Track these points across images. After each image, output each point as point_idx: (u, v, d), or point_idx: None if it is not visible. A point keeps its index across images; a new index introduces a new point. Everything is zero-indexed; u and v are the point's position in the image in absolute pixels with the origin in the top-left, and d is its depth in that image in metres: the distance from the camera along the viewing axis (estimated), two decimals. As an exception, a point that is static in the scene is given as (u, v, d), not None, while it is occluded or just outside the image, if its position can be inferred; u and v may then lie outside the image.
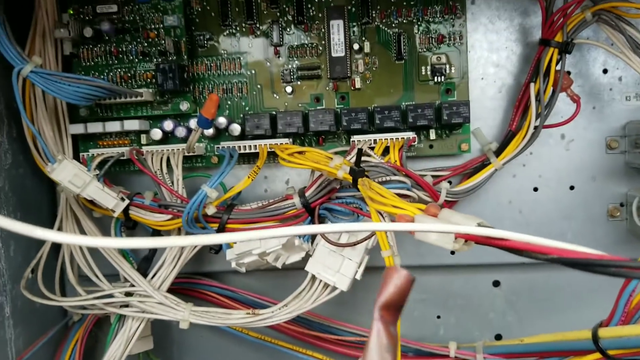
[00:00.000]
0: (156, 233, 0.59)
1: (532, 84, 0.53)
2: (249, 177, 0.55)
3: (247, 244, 0.55)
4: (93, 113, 0.59)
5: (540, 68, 0.53)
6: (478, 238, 0.32)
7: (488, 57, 0.59)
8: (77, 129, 0.59)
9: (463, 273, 0.62)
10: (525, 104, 0.55)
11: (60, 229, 0.60)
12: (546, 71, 0.53)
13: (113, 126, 0.58)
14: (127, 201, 0.56)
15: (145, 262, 0.59)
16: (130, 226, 0.58)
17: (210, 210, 0.54)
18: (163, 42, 0.57)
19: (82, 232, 0.60)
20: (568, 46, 0.51)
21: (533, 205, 0.59)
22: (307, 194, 0.54)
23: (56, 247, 0.62)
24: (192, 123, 0.59)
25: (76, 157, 0.60)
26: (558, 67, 0.53)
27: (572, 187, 0.59)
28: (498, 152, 0.56)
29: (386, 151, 0.55)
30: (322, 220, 0.55)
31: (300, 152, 0.53)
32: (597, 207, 0.59)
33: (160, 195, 0.56)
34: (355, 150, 0.54)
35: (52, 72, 0.51)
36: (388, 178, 0.52)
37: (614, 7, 0.51)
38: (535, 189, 0.60)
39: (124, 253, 0.59)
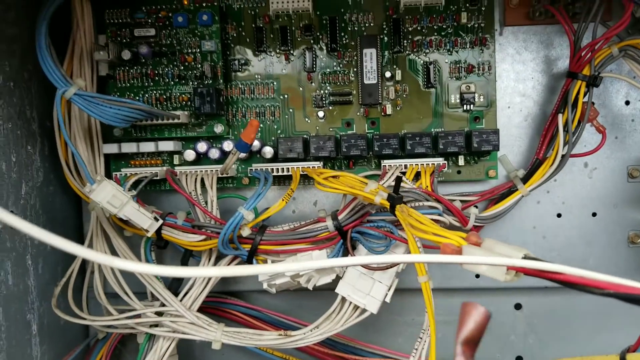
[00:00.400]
0: (188, 253, 0.59)
1: (560, 115, 0.55)
2: (283, 200, 0.56)
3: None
4: (127, 133, 0.60)
5: (568, 99, 0.54)
6: (532, 271, 0.33)
7: (515, 86, 0.60)
8: (111, 148, 0.60)
9: (486, 296, 0.63)
10: (552, 133, 0.57)
11: (90, 246, 0.61)
12: (574, 103, 0.55)
13: (147, 147, 0.59)
14: (160, 221, 0.56)
15: (176, 281, 0.60)
16: (161, 245, 0.59)
17: (245, 232, 0.54)
18: (199, 66, 0.59)
19: (112, 250, 0.61)
20: (596, 80, 0.53)
21: (556, 230, 0.61)
22: (340, 217, 0.55)
23: (83, 264, 0.63)
24: (226, 145, 0.60)
25: (108, 176, 0.61)
26: (585, 99, 0.55)
27: (594, 214, 0.61)
28: (525, 179, 0.57)
29: (417, 176, 0.57)
30: (353, 244, 0.56)
31: (334, 177, 0.54)
32: (618, 234, 0.60)
33: (194, 216, 0.57)
34: (389, 175, 0.56)
35: (94, 95, 0.52)
36: (420, 203, 0.53)
37: (641, 44, 0.53)
38: (559, 215, 0.61)
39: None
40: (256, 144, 0.59)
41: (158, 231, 0.57)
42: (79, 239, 0.67)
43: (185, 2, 0.58)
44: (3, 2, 0.54)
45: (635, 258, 0.60)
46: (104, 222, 0.60)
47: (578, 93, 0.54)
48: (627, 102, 0.60)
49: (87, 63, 0.58)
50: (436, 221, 0.54)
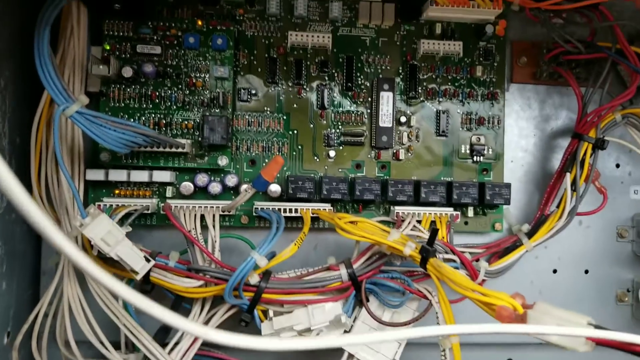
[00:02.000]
0: (179, 299, 0.53)
1: (568, 174, 0.56)
2: (295, 245, 0.51)
3: (288, 319, 0.51)
4: (115, 159, 0.53)
5: (576, 159, 0.56)
6: (618, 344, 0.32)
7: (518, 141, 0.62)
8: (96, 175, 0.52)
9: (479, 350, 0.62)
10: (556, 190, 0.58)
11: (59, 287, 0.52)
12: (581, 163, 0.56)
13: (140, 176, 0.53)
14: (152, 262, 0.50)
15: (163, 332, 0.52)
16: (147, 290, 0.52)
17: (254, 279, 0.49)
18: (207, 92, 0.54)
19: (86, 292, 0.52)
20: (604, 143, 0.56)
21: (552, 286, 0.62)
22: (355, 266, 0.52)
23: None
24: (230, 179, 0.55)
25: (84, 205, 0.53)
26: (590, 160, 0.57)
27: (586, 271, 0.62)
28: (529, 234, 0.58)
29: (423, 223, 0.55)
30: (367, 295, 0.53)
31: (352, 222, 0.51)
32: (607, 291, 0.63)
33: (192, 258, 0.51)
34: (406, 224, 0.54)
35: (97, 114, 0.45)
36: (440, 256, 0.52)
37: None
38: (555, 271, 0.62)
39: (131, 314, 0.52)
40: (260, 180, 0.55)
41: (146, 273, 0.50)
42: (35, 275, 0.57)
43: (200, 23, 0.53)
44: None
45: (622, 315, 0.62)
46: (79, 259, 0.52)
47: (585, 154, 0.56)
48: (618, 165, 0.63)
49: (78, 76, 0.51)
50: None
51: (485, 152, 0.59)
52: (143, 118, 0.53)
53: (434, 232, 0.47)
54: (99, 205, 0.52)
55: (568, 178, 0.56)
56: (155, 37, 0.53)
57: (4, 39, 0.49)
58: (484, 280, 0.58)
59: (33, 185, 0.52)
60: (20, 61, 0.52)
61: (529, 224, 0.59)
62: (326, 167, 0.58)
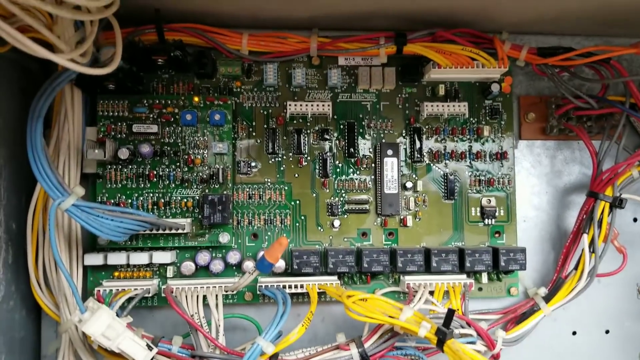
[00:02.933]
0: (183, 386, 0.50)
1: (585, 235, 0.54)
2: (303, 326, 0.49)
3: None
4: (112, 240, 0.52)
5: (594, 219, 0.54)
6: None
7: (530, 200, 0.59)
8: (95, 259, 0.51)
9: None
10: (573, 251, 0.56)
11: (58, 378, 0.50)
12: (599, 222, 0.54)
13: (139, 258, 0.51)
14: (155, 349, 0.47)
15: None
16: (151, 377, 0.50)
17: (261, 364, 0.47)
18: (206, 168, 0.52)
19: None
20: (622, 202, 0.53)
21: (572, 349, 0.59)
22: (366, 345, 0.49)
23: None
24: (231, 257, 0.53)
25: (84, 290, 0.52)
26: (608, 219, 0.54)
27: (607, 331, 0.60)
28: (547, 298, 0.55)
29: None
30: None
31: (362, 299, 0.49)
32: (629, 351, 0.60)
33: (195, 343, 0.49)
34: (418, 297, 0.52)
35: (93, 205, 0.44)
36: (457, 331, 0.49)
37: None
38: (574, 333, 0.60)
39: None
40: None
41: (149, 360, 0.48)
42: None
43: (196, 99, 0.52)
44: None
45: (648, 378, 0.59)
46: (79, 347, 0.50)
47: (602, 213, 0.54)
48: (635, 219, 0.61)
49: (74, 160, 0.50)
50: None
51: (497, 213, 0.57)
52: (141, 198, 0.52)
53: (450, 313, 0.44)
54: (99, 290, 0.50)
55: (585, 239, 0.54)
56: (151, 116, 0.52)
57: (-3, 126, 0.48)
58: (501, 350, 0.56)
59: (30, 271, 0.51)
60: (14, 146, 0.51)
61: (546, 287, 0.56)
62: (331, 237, 0.56)
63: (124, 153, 0.50)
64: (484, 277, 0.56)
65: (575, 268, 0.55)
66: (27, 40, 0.35)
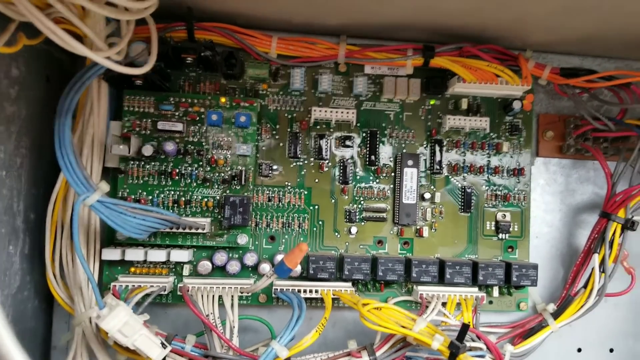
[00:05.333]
0: (195, 384, 0.51)
1: (596, 255, 0.55)
2: (316, 331, 0.50)
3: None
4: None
5: (605, 240, 0.55)
6: None
7: (543, 217, 0.60)
8: (112, 254, 0.51)
9: None
10: (584, 270, 0.57)
11: (70, 370, 0.50)
12: (610, 243, 0.55)
13: (157, 255, 0.51)
14: (169, 347, 0.48)
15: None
16: (163, 374, 0.50)
17: (274, 368, 0.48)
18: (228, 168, 0.52)
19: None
20: (634, 225, 0.54)
21: (576, 366, 0.60)
22: (378, 354, 0.50)
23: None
24: (248, 258, 0.53)
25: (98, 283, 0.52)
26: (619, 240, 0.55)
27: (611, 350, 0.61)
28: (555, 315, 0.56)
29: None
30: (389, 382, 0.51)
31: (376, 308, 0.49)
32: (632, 371, 0.61)
33: (209, 343, 0.49)
34: (431, 308, 0.52)
35: (117, 202, 0.44)
36: (468, 344, 0.50)
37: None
38: (579, 350, 0.60)
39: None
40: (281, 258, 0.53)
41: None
42: (46, 354, 0.55)
43: (223, 100, 0.52)
44: (9, 76, 0.45)
45: (649, 397, 0.60)
46: (92, 341, 0.50)
47: (614, 234, 0.55)
48: (644, 241, 0.62)
49: (97, 154, 0.50)
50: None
51: (511, 228, 0.57)
52: (162, 195, 0.52)
53: (464, 327, 0.45)
54: (114, 285, 0.50)
55: (596, 258, 0.55)
56: (177, 114, 0.52)
57: (21, 118, 0.48)
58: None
59: (47, 263, 0.50)
60: (35, 136, 0.51)
61: (555, 304, 0.57)
62: (347, 243, 0.56)
63: (148, 150, 0.50)
64: (495, 291, 0.57)
65: (585, 286, 0.56)
66: (65, 35, 0.35)
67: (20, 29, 0.40)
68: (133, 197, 0.51)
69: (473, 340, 0.51)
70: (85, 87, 0.45)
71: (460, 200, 0.57)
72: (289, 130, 0.55)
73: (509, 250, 0.58)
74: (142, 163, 0.52)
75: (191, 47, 0.50)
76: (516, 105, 0.56)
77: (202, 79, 0.54)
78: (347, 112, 0.54)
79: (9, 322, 0.47)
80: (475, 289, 0.55)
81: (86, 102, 0.50)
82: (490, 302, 0.57)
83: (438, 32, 0.53)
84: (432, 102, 0.57)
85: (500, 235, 0.57)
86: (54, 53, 0.52)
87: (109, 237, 0.52)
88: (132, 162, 0.51)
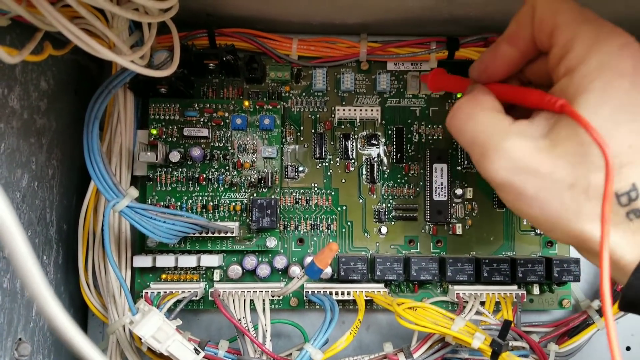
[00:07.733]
0: (228, 391, 0.50)
1: None
2: (350, 334, 0.48)
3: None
4: (162, 244, 0.52)
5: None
6: None
7: (582, 209, 0.58)
8: (144, 262, 0.51)
9: None
10: (629, 263, 0.54)
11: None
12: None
13: (188, 261, 0.51)
14: (202, 353, 0.47)
15: None
16: (197, 381, 0.49)
17: (309, 372, 0.46)
18: (255, 172, 0.52)
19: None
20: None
21: (627, 365, 0.57)
22: (415, 355, 0.48)
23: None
24: (278, 261, 0.53)
25: (130, 291, 0.52)
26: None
27: (664, 348, 0.57)
28: (601, 312, 0.53)
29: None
30: (427, 385, 0.49)
31: (411, 308, 0.48)
32: (688, 370, 0.57)
33: (242, 348, 0.48)
34: (469, 308, 0.50)
35: (146, 207, 0.44)
36: (511, 344, 0.48)
37: None
38: (628, 348, 0.57)
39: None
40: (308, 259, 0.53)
41: (195, 364, 0.48)
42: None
43: (247, 104, 0.52)
44: (38, 90, 0.47)
45: None
46: (127, 349, 0.50)
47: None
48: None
49: (125, 162, 0.50)
50: (522, 362, 0.48)
51: (548, 223, 0.55)
52: (190, 201, 0.52)
53: (506, 324, 0.43)
54: (147, 293, 0.50)
55: (642, 252, 0.52)
56: (202, 120, 0.52)
57: (52, 130, 0.49)
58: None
59: (80, 273, 0.51)
60: (65, 148, 0.52)
61: (599, 300, 0.54)
62: (377, 244, 0.55)
63: (175, 156, 0.50)
64: (536, 288, 0.54)
65: (632, 281, 0.53)
66: (91, 41, 0.36)
67: (47, 40, 0.41)
68: (162, 203, 0.52)
69: (515, 340, 0.48)
70: (112, 95, 0.46)
71: (494, 195, 0.55)
72: (313, 131, 0.55)
73: (548, 245, 0.55)
74: (170, 170, 0.52)
75: (213, 52, 0.50)
76: (547, 94, 0.54)
77: (225, 84, 0.54)
78: (372, 110, 0.54)
79: (45, 334, 0.48)
80: (515, 287, 0.52)
81: (113, 112, 0.50)
82: (531, 301, 0.55)
83: (461, 23, 0.52)
84: (459, 96, 0.55)
85: (538, 231, 0.55)
86: (80, 61, 0.53)
87: (139, 245, 0.53)
88: (159, 169, 0.52)
